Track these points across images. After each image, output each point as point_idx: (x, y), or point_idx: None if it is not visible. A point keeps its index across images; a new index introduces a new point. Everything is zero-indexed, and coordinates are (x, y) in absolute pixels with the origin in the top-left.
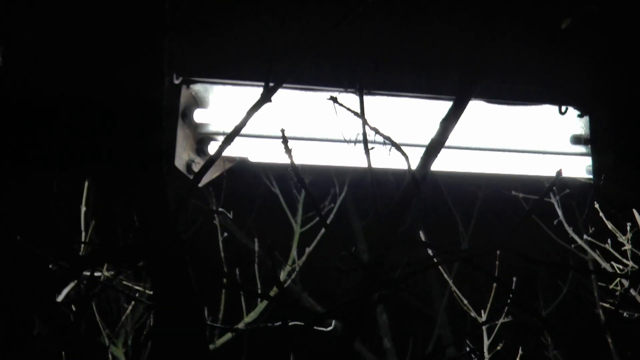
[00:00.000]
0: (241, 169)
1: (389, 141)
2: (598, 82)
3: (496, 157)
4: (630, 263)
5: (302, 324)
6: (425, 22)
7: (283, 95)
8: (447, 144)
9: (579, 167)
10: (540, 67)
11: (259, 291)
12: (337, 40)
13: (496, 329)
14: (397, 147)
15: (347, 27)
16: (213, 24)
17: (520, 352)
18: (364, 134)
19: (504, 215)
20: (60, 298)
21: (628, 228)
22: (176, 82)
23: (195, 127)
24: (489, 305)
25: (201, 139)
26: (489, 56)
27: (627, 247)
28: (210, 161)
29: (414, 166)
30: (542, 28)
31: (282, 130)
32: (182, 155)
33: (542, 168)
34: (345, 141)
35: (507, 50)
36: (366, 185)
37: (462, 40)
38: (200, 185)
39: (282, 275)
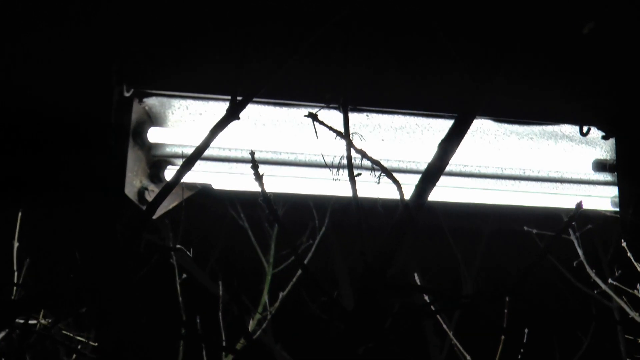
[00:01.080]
0: (203, 198)
1: (378, 166)
2: (626, 100)
3: (505, 186)
4: None
5: None
6: (422, 26)
7: (253, 112)
8: (447, 169)
9: (603, 198)
10: (559, 80)
11: (224, 343)
12: (319, 48)
13: None
14: (388, 173)
15: (331, 33)
16: (172, 27)
17: None
18: (349, 158)
19: (515, 254)
20: None
21: None
22: (127, 94)
23: (149, 149)
24: None
25: (156, 163)
26: (498, 66)
27: None
28: (167, 189)
29: (407, 196)
30: (562, 36)
31: (252, 153)
32: (134, 182)
33: (560, 199)
34: (326, 166)
35: (520, 59)
36: (351, 219)
37: (466, 47)
38: (154, 217)
39: (251, 325)
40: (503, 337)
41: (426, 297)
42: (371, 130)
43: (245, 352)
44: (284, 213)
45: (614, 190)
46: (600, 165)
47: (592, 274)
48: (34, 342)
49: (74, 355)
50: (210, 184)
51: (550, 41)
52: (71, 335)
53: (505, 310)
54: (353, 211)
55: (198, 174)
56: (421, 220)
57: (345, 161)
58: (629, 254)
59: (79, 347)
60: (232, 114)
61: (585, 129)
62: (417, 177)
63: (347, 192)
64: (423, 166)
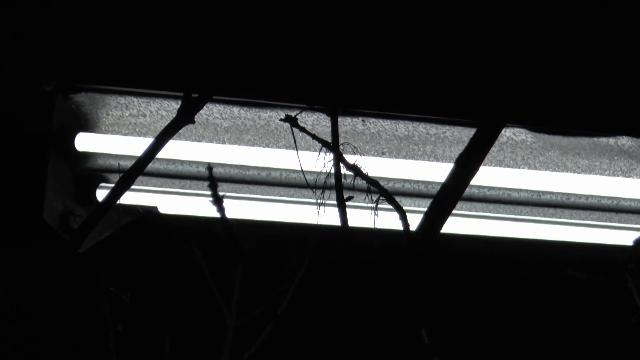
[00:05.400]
0: (146, 226)
1: (375, 187)
2: None
3: (543, 216)
4: None
5: None
6: (438, 8)
7: (212, 113)
8: (466, 193)
9: None
10: (616, 82)
11: None
12: (300, 33)
13: None
14: (389, 196)
15: (318, 15)
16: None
17: None
18: (338, 176)
19: (555, 306)
20: None
21: None
22: (47, 88)
23: (75, 160)
24: None
25: (85, 179)
26: (536, 60)
27: None
28: (98, 213)
29: (414, 227)
30: (622, 29)
31: (209, 168)
32: (55, 204)
33: (615, 234)
34: (308, 186)
35: (565, 52)
36: (339, 255)
37: (494, 35)
38: (81, 250)
39: None
40: None
41: None
42: (368, 140)
43: None
44: (253, 247)
45: None
46: None
47: None
48: None
49: None
50: (155, 207)
51: (611, 29)
52: None
53: None
54: (342, 245)
55: (140, 194)
56: (431, 259)
57: (332, 180)
58: None
59: None
60: (185, 116)
61: None
62: (428, 202)
63: (334, 220)
64: (435, 188)
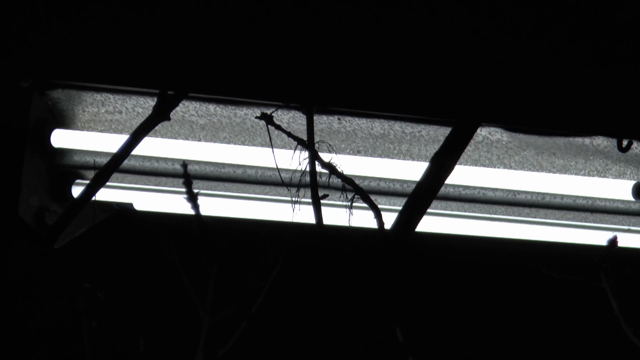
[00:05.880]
0: (122, 223)
1: (350, 185)
2: None
3: (517, 215)
4: None
5: None
6: (414, 5)
7: (188, 111)
8: (441, 192)
9: None
10: (592, 78)
11: None
12: (276, 31)
13: None
14: (364, 195)
15: (294, 13)
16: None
17: None
18: (313, 174)
19: (527, 306)
20: None
21: None
22: (24, 84)
23: (51, 157)
24: None
25: (60, 175)
26: (512, 60)
27: None
28: (74, 209)
29: (389, 225)
30: (596, 27)
31: (185, 165)
32: (30, 200)
33: (590, 233)
34: (283, 184)
35: (541, 52)
36: (314, 254)
37: (470, 34)
38: (56, 246)
39: None
40: None
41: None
42: (343, 138)
43: None
44: (228, 245)
45: None
46: None
47: (630, 333)
48: None
49: None
50: (131, 204)
51: (585, 32)
52: None
53: None
54: (316, 243)
55: (115, 191)
56: (406, 257)
57: (308, 178)
58: None
59: None
60: (161, 113)
61: (625, 142)
62: (403, 200)
63: (309, 218)
64: (411, 187)
